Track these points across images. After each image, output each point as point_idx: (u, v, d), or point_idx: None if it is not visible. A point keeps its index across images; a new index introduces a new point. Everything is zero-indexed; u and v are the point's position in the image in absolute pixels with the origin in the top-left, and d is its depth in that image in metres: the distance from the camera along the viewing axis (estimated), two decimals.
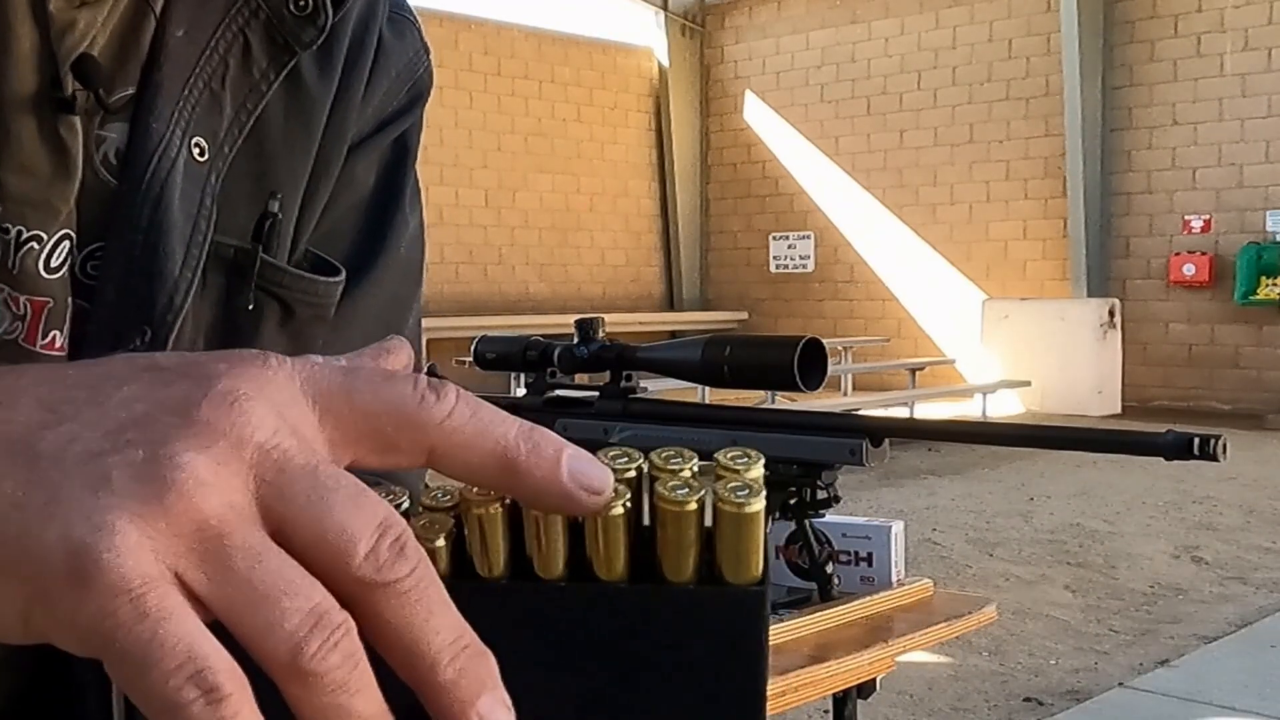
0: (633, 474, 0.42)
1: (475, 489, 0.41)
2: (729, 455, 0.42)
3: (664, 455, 0.42)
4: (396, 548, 0.34)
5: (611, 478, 0.39)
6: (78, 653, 0.32)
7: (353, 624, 0.33)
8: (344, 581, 0.33)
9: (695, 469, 0.41)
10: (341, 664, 0.33)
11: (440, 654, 0.34)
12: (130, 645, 0.31)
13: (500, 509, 0.40)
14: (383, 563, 0.33)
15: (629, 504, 0.41)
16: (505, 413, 0.38)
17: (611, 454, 0.42)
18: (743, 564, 0.40)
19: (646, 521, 0.42)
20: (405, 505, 0.42)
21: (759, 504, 0.40)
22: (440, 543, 0.41)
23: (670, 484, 0.40)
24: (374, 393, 0.37)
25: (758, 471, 0.41)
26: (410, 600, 0.34)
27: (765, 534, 0.41)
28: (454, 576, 0.41)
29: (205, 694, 0.31)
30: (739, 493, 0.40)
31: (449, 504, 0.42)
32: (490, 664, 0.35)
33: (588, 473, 0.38)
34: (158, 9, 0.63)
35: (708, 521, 0.41)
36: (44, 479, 0.33)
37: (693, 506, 0.40)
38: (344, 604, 0.33)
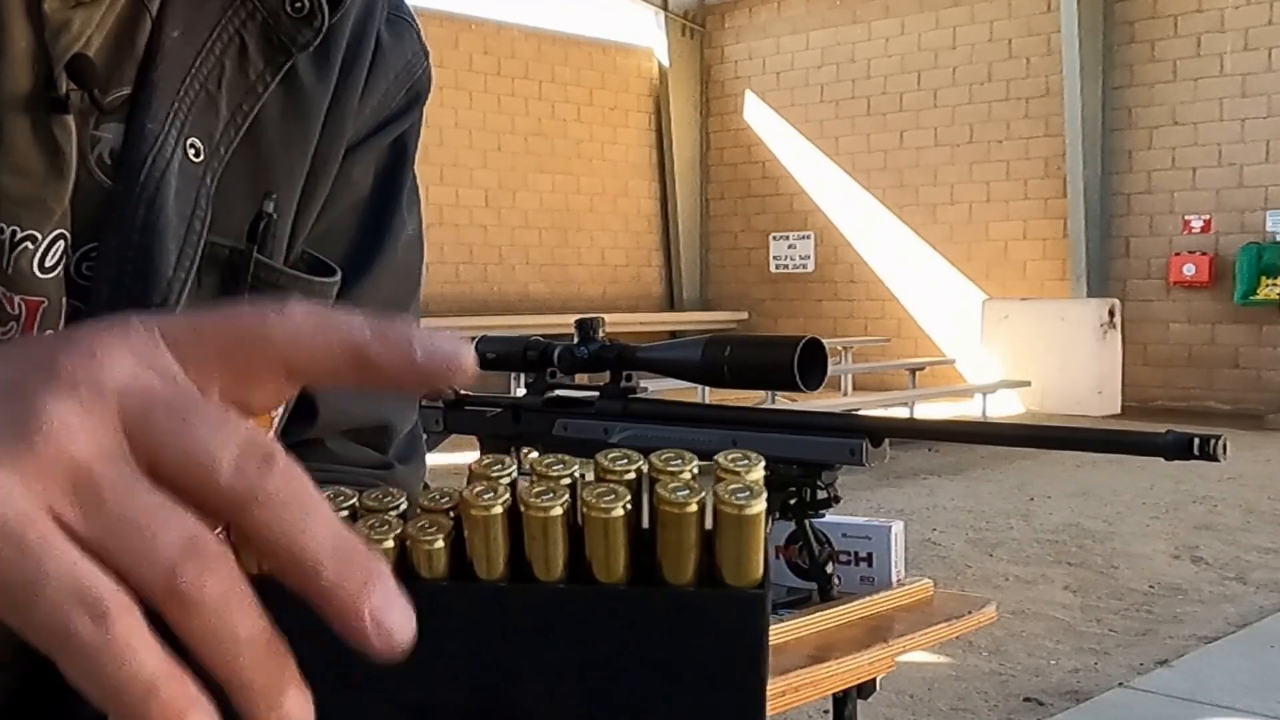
0: (632, 476, 0.42)
1: (475, 490, 0.41)
2: (729, 457, 0.41)
3: (664, 457, 0.42)
4: (263, 461, 0.35)
5: (471, 351, 0.38)
6: None
7: (229, 551, 0.34)
8: (216, 501, 0.34)
9: (695, 471, 0.41)
10: (218, 586, 0.33)
11: (320, 558, 0.34)
12: (14, 580, 0.32)
13: (501, 510, 0.40)
14: (250, 477, 0.34)
15: (629, 506, 0.40)
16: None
17: (611, 455, 0.42)
18: (743, 566, 0.40)
19: (645, 524, 0.42)
20: (402, 507, 0.42)
21: (759, 506, 0.40)
22: (439, 544, 0.41)
23: (671, 485, 0.40)
24: (218, 323, 0.38)
25: (758, 473, 0.41)
26: (284, 510, 0.34)
27: (766, 536, 0.41)
28: (453, 578, 0.41)
29: (93, 617, 0.32)
30: (739, 495, 0.40)
31: (447, 505, 0.42)
32: (379, 563, 0.35)
33: (441, 348, 0.38)
34: (153, 10, 0.63)
35: (708, 524, 0.41)
36: None
37: (693, 508, 0.40)
38: (224, 525, 0.35)
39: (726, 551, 0.40)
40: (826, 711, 2.33)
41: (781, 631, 1.80)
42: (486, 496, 0.40)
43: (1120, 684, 4.42)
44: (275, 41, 0.65)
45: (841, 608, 1.91)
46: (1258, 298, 11.92)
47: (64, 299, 0.61)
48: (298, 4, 0.65)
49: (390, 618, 0.35)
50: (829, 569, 1.92)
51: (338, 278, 0.71)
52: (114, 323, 0.37)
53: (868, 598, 1.96)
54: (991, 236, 13.69)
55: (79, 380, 0.35)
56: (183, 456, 0.35)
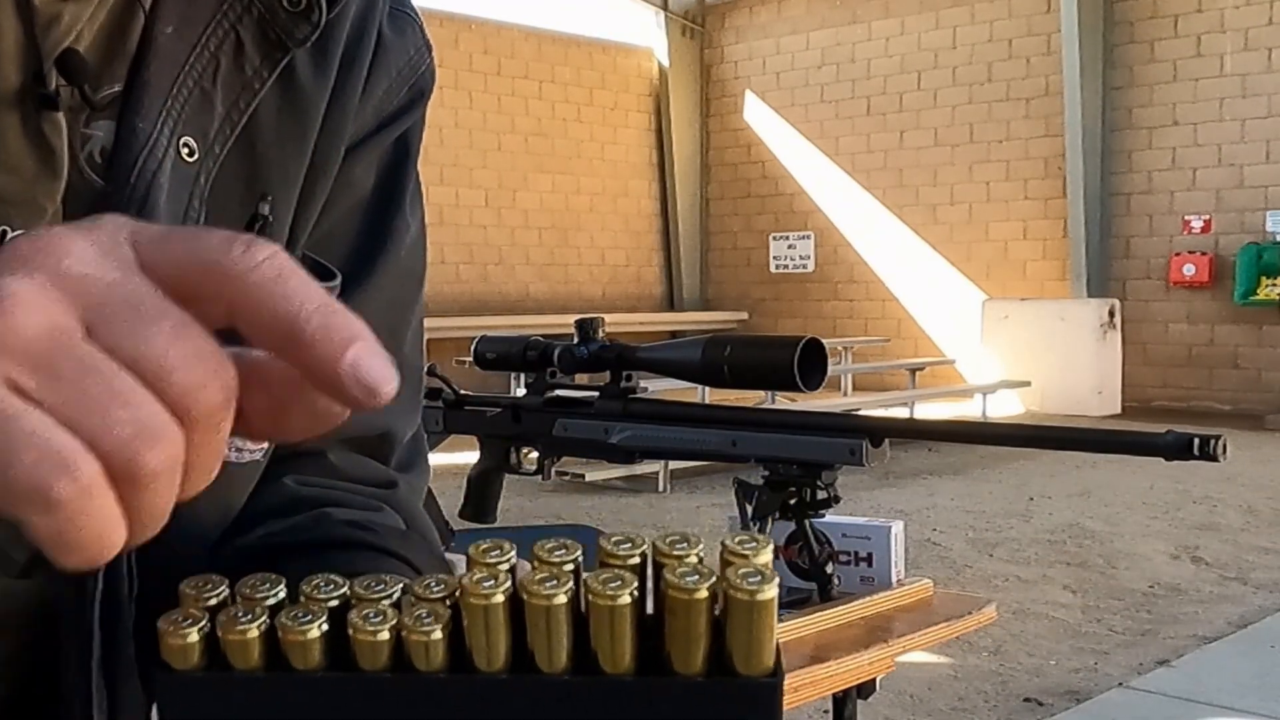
0: (636, 560, 0.40)
1: (474, 578, 0.39)
2: (737, 540, 0.39)
3: (669, 540, 0.40)
4: (222, 398, 0.36)
5: (394, 381, 0.37)
6: None
7: (181, 438, 0.36)
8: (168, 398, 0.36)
9: (701, 554, 0.40)
10: (168, 465, 0.35)
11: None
12: None
13: (502, 598, 0.38)
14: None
15: (636, 593, 0.39)
16: (320, 288, 0.38)
17: (614, 540, 0.40)
18: (755, 654, 0.38)
19: (651, 610, 0.40)
20: (396, 594, 0.41)
21: (771, 590, 0.38)
22: (437, 635, 0.39)
23: (679, 570, 0.38)
24: (190, 239, 0.38)
25: (768, 555, 0.39)
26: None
27: (777, 621, 0.39)
28: (452, 670, 0.39)
29: (68, 473, 0.34)
30: (751, 579, 0.38)
31: (444, 593, 0.40)
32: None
33: (371, 368, 0.37)
34: (147, 5, 0.62)
35: (716, 609, 0.39)
36: None
37: (703, 594, 0.38)
38: None
39: (737, 638, 0.38)
40: (826, 711, 2.33)
41: (781, 631, 1.80)
42: (486, 584, 0.38)
43: (1120, 684, 4.42)
44: (272, 37, 0.64)
45: (841, 608, 1.91)
46: (1258, 298, 11.92)
47: None
48: None
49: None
50: (829, 569, 1.92)
51: (337, 282, 0.70)
52: (86, 220, 0.38)
53: (868, 598, 1.96)
54: (991, 236, 13.69)
55: (37, 265, 0.36)
56: (134, 354, 0.36)
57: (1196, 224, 12.44)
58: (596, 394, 1.88)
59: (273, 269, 0.37)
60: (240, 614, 0.39)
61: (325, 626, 0.40)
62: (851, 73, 14.65)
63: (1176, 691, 4.30)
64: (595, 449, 1.86)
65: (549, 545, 0.40)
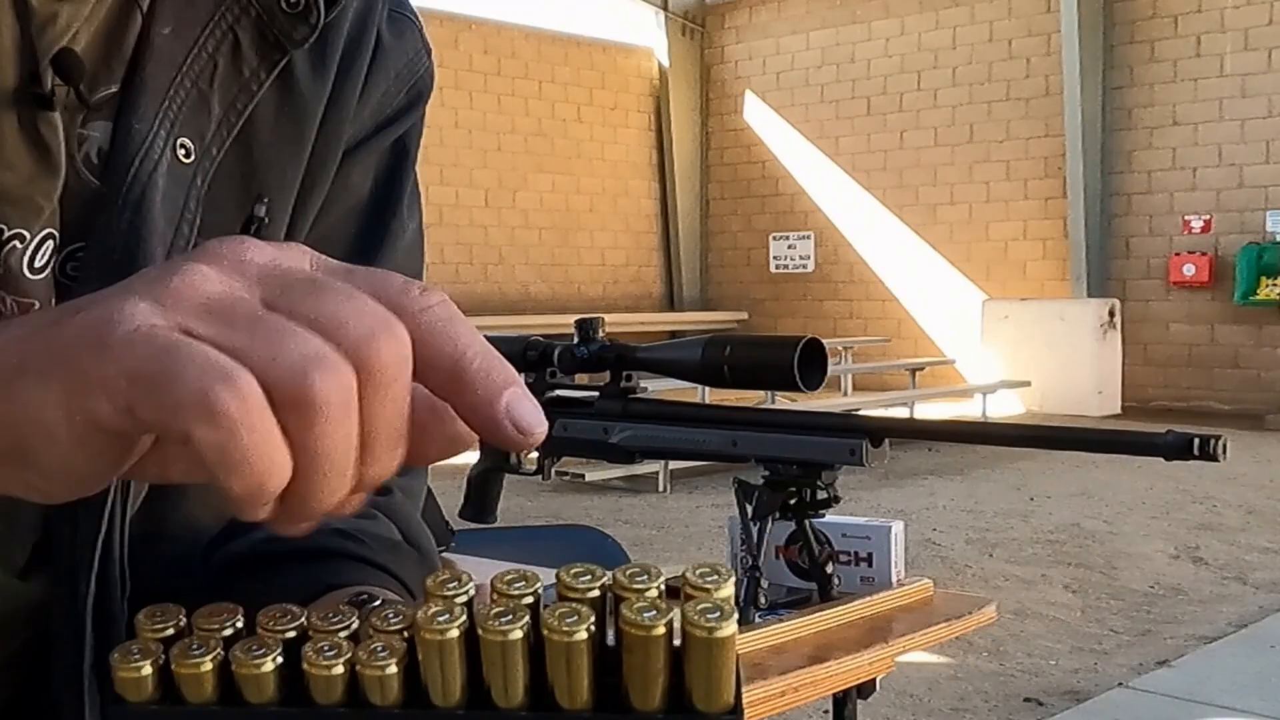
0: (596, 593, 0.39)
1: (429, 611, 0.38)
2: (698, 572, 0.38)
3: (629, 572, 0.39)
4: (387, 337, 0.38)
5: (544, 426, 0.39)
6: (110, 415, 0.37)
7: (351, 370, 0.37)
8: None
9: (662, 588, 0.38)
10: (337, 395, 0.37)
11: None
12: (154, 369, 0.36)
13: (457, 633, 0.38)
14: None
15: (592, 628, 0.38)
16: (481, 336, 0.41)
17: (573, 571, 0.39)
18: (714, 690, 0.38)
19: (611, 642, 0.39)
20: (353, 627, 0.40)
21: (731, 627, 0.37)
22: (391, 669, 0.38)
23: (636, 605, 0.37)
24: (368, 275, 0.41)
25: (728, 590, 0.38)
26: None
27: (737, 657, 0.38)
28: (406, 705, 0.38)
29: (228, 382, 0.36)
30: (709, 615, 0.37)
31: (400, 626, 0.39)
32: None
33: (525, 411, 0.40)
34: (144, 6, 0.62)
35: (676, 642, 0.38)
36: (80, 305, 0.39)
37: (661, 630, 0.37)
38: None
39: (697, 674, 0.37)
40: (826, 711, 2.33)
41: (781, 631, 1.80)
42: (442, 619, 0.38)
43: (1120, 684, 4.42)
44: (270, 38, 0.64)
45: (841, 608, 1.91)
46: (1258, 298, 11.92)
47: (53, 300, 0.60)
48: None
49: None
50: (829, 569, 1.92)
51: None
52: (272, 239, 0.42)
53: (868, 598, 1.96)
54: (991, 236, 13.69)
55: (221, 255, 0.39)
56: (309, 313, 0.38)
57: (1196, 224, 12.44)
58: (596, 394, 1.88)
59: (444, 312, 0.40)
60: (194, 646, 0.39)
61: (280, 659, 0.39)
62: (851, 73, 14.64)
63: (1176, 691, 4.30)
64: (595, 449, 1.86)
65: (508, 577, 0.39)
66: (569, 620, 0.37)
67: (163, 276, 0.38)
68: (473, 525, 2.03)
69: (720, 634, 0.36)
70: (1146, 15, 12.59)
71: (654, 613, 0.37)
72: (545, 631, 0.38)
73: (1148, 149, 12.69)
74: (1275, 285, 11.82)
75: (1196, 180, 12.42)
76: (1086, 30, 12.60)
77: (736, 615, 0.37)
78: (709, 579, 0.38)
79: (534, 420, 0.40)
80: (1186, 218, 12.49)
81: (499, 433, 0.39)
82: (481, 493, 1.98)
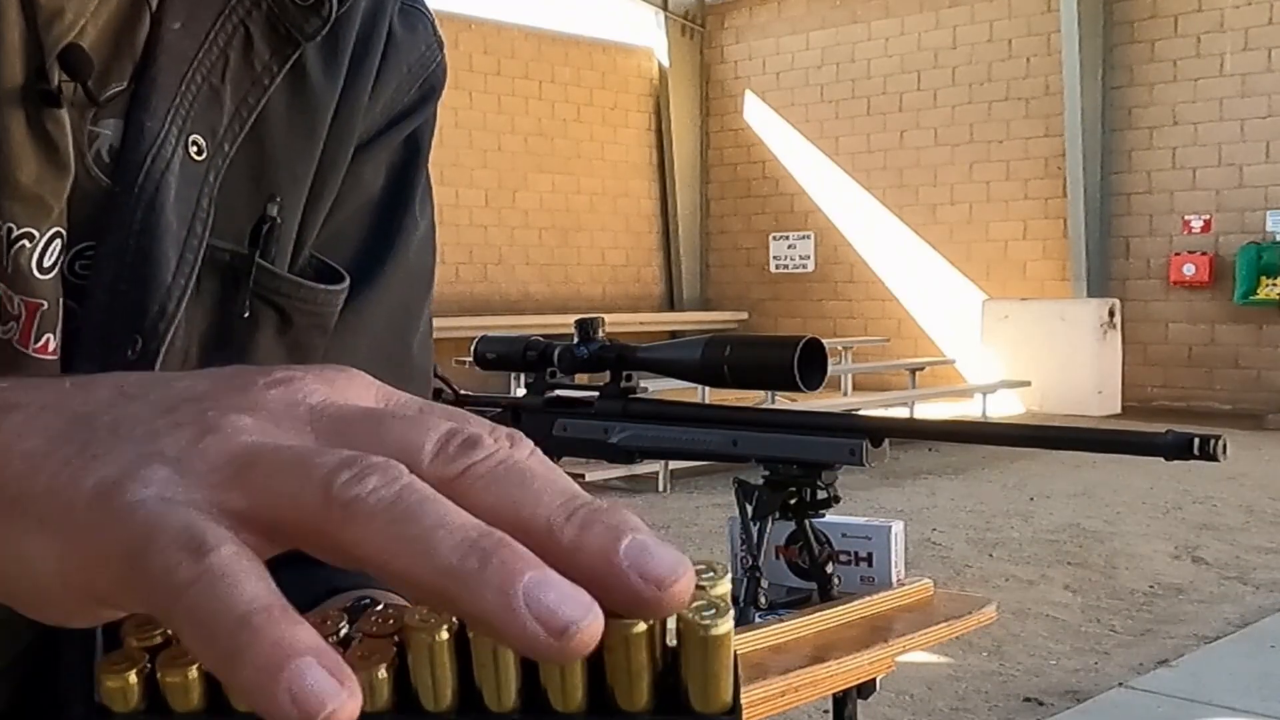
0: None
1: (420, 615, 0.37)
2: (694, 569, 0.37)
3: None
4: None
5: (685, 560, 0.33)
6: (106, 591, 0.33)
7: (400, 467, 0.32)
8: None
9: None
10: (384, 483, 0.32)
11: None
12: (133, 540, 0.32)
13: (447, 635, 0.37)
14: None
15: None
16: (556, 474, 0.34)
17: None
18: (711, 690, 0.37)
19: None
20: (342, 632, 0.39)
21: (727, 624, 0.36)
22: (382, 674, 0.37)
23: None
24: (429, 414, 0.36)
25: (724, 587, 0.37)
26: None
27: (734, 655, 0.37)
28: (398, 711, 0.38)
29: (192, 554, 0.31)
30: (705, 613, 0.36)
31: (389, 629, 0.38)
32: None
33: (651, 559, 0.32)
34: (154, 1, 0.61)
35: (671, 641, 0.37)
36: (98, 441, 0.34)
37: (640, 629, 0.36)
38: None
39: (693, 674, 0.36)
40: (826, 711, 2.33)
41: (781, 631, 1.80)
42: (431, 622, 0.37)
43: (1120, 684, 4.42)
44: (281, 32, 0.63)
45: (841, 608, 1.91)
46: (1258, 298, 11.92)
47: (61, 300, 0.60)
48: None
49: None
50: (829, 569, 1.92)
51: (345, 285, 0.68)
52: (331, 367, 0.38)
53: (868, 598, 1.96)
54: (991, 236, 13.69)
55: (271, 398, 0.35)
56: (377, 448, 0.33)
57: (1196, 224, 12.44)
58: (596, 394, 1.89)
59: (491, 469, 0.34)
60: (180, 654, 0.39)
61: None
62: (851, 73, 14.65)
63: (1176, 691, 4.30)
64: (595, 449, 1.86)
65: None
66: None
67: (198, 434, 0.34)
68: None
69: (716, 632, 0.36)
70: (1146, 15, 12.59)
71: None
72: None
73: (1148, 149, 12.69)
74: (1275, 285, 11.82)
75: (1196, 180, 12.42)
76: (1086, 30, 12.60)
77: (733, 612, 0.36)
78: (704, 575, 0.37)
79: (667, 566, 0.32)
80: (1186, 218, 12.49)
81: (630, 590, 0.32)
82: None
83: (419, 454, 0.33)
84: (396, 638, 0.38)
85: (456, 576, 0.31)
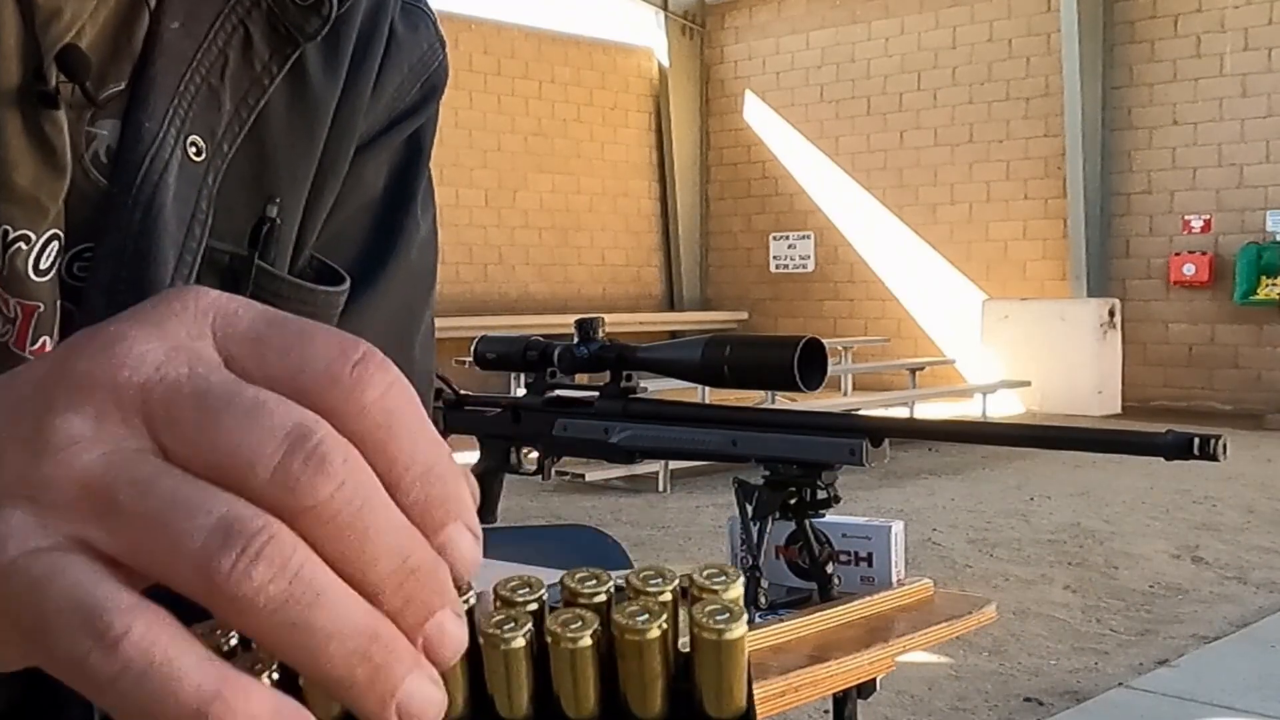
0: (602, 598, 0.37)
1: (495, 619, 0.37)
2: (705, 573, 0.37)
3: (643, 574, 0.37)
4: (310, 462, 0.30)
5: (478, 565, 0.34)
6: (14, 659, 0.31)
7: (278, 526, 0.30)
8: (259, 504, 0.30)
9: (675, 590, 0.37)
10: (273, 574, 0.29)
11: (382, 584, 0.31)
12: (24, 614, 0.30)
13: (523, 642, 0.37)
14: (294, 482, 0.30)
15: (598, 632, 0.36)
16: (427, 441, 0.33)
17: (579, 576, 0.38)
18: (725, 695, 0.37)
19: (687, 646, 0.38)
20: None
21: (741, 629, 0.36)
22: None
23: (629, 609, 0.36)
24: (291, 348, 0.33)
25: (737, 591, 0.36)
26: (337, 525, 0.30)
27: (748, 660, 0.37)
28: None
29: (98, 640, 0.29)
30: (718, 617, 0.36)
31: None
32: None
33: (461, 551, 0.33)
34: (152, 1, 0.61)
35: (684, 647, 0.37)
36: None
37: (654, 634, 0.36)
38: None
39: (707, 680, 0.36)
40: (826, 711, 2.33)
41: (781, 631, 1.80)
42: (508, 627, 0.36)
43: (1120, 684, 4.42)
44: (281, 31, 0.63)
45: (841, 608, 1.91)
46: (1258, 298, 11.92)
47: (58, 302, 0.59)
48: None
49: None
50: (829, 569, 1.92)
51: (345, 286, 0.68)
52: (165, 299, 0.34)
53: (868, 598, 1.96)
54: (991, 236, 13.69)
55: (94, 383, 0.32)
56: (211, 457, 0.31)
57: (1196, 224, 12.44)
58: (596, 394, 1.89)
59: (381, 414, 0.32)
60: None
61: (276, 675, 0.37)
62: (851, 73, 14.65)
63: (1176, 691, 4.30)
64: (595, 449, 1.86)
65: (512, 583, 0.38)
66: (573, 626, 0.36)
67: (35, 458, 0.31)
68: None
69: (730, 636, 0.36)
70: (1146, 15, 12.59)
71: (647, 616, 0.36)
72: (549, 639, 0.37)
73: (1148, 149, 12.69)
74: (1275, 285, 11.82)
75: (1196, 180, 12.42)
76: (1086, 30, 12.60)
77: (746, 616, 0.36)
78: (717, 580, 0.36)
79: (469, 560, 0.33)
80: (1186, 218, 12.49)
81: None
82: (482, 493, 1.98)
83: (253, 469, 0.30)
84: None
85: (344, 685, 0.31)
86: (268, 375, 0.32)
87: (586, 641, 0.36)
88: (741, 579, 0.37)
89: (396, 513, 0.32)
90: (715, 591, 0.36)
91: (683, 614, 0.37)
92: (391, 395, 0.32)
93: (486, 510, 2.00)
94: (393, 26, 0.70)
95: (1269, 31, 11.91)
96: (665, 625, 0.36)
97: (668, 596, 0.37)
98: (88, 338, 0.33)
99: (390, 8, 0.70)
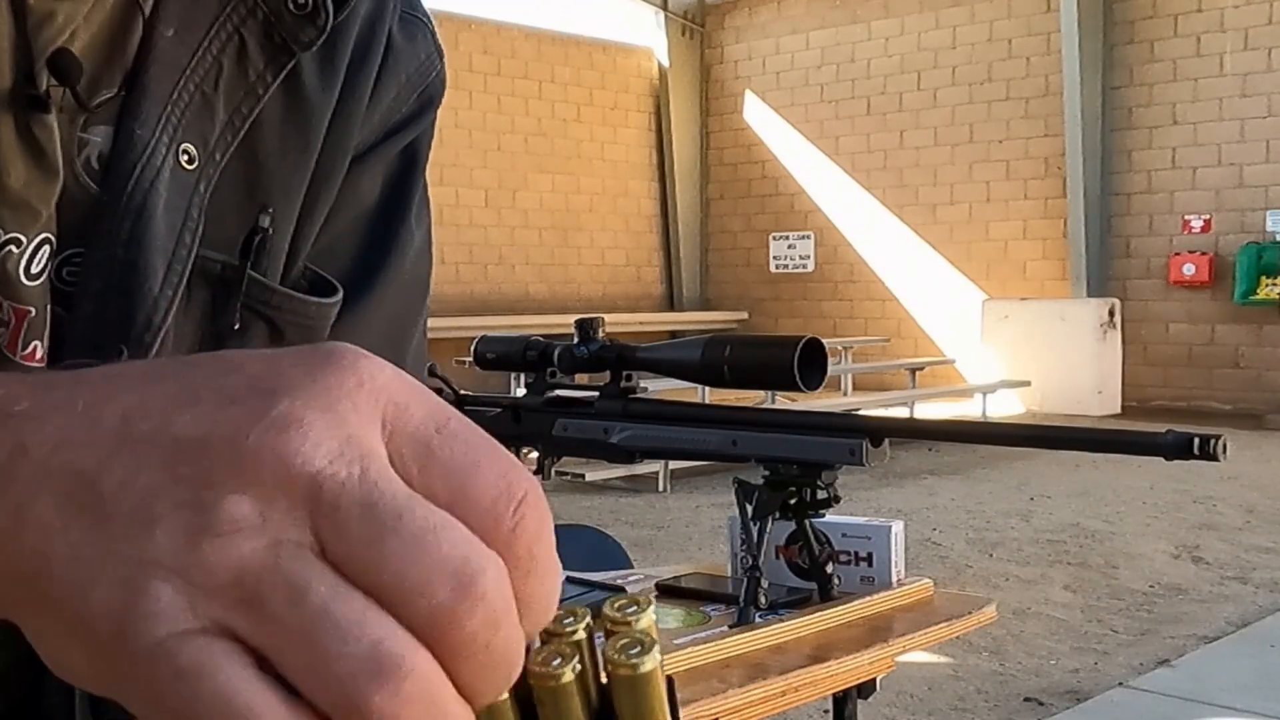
0: (581, 633, 0.37)
1: (540, 655, 0.37)
2: (615, 605, 0.37)
3: (555, 616, 0.36)
4: (474, 604, 0.31)
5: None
6: (140, 714, 0.31)
7: (427, 660, 0.30)
8: (411, 626, 0.31)
9: (588, 627, 0.37)
10: (418, 714, 0.30)
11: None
12: (169, 698, 0.30)
13: (572, 675, 0.36)
14: (455, 620, 0.31)
15: (517, 683, 0.36)
16: (556, 576, 0.33)
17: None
18: None
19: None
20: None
21: (653, 661, 0.35)
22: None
23: (542, 655, 0.36)
24: (461, 469, 0.33)
25: (648, 620, 0.36)
26: (478, 662, 0.31)
27: (668, 690, 0.37)
28: None
29: None
30: (630, 652, 0.36)
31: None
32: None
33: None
34: (146, 7, 0.60)
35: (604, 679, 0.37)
36: (101, 528, 0.32)
37: (569, 678, 0.35)
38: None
39: (624, 712, 0.36)
40: (826, 711, 2.33)
41: (781, 631, 1.80)
42: (555, 662, 0.36)
43: (1120, 684, 4.42)
44: (277, 40, 0.62)
45: (841, 608, 1.91)
46: (1258, 297, 11.92)
47: (48, 306, 0.59)
48: (300, 0, 0.62)
49: None
50: (829, 569, 1.92)
51: (338, 298, 0.67)
52: (336, 370, 0.33)
53: (868, 598, 1.96)
54: (991, 236, 13.69)
55: (264, 464, 0.31)
56: (375, 578, 0.31)
57: (1196, 224, 12.44)
58: (596, 394, 1.89)
59: (529, 560, 0.32)
60: None
61: None
62: (851, 73, 14.65)
63: (1176, 691, 4.30)
64: (595, 449, 1.86)
65: (620, 603, 0.38)
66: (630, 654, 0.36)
67: (195, 537, 0.31)
68: None
69: (644, 669, 0.35)
70: (1146, 15, 12.60)
71: (559, 660, 0.36)
72: (609, 667, 0.37)
73: (1148, 149, 12.69)
74: (1275, 285, 11.82)
75: (1196, 180, 12.42)
76: (1086, 30, 12.60)
77: (658, 646, 0.36)
78: (628, 611, 0.36)
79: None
80: (1186, 217, 12.49)
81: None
82: None
83: (417, 600, 0.31)
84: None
85: None
86: (430, 491, 0.32)
87: (504, 695, 0.35)
88: (653, 608, 0.37)
89: (520, 634, 0.33)
90: (629, 623, 0.36)
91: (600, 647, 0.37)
92: (543, 543, 0.33)
93: None
94: (390, 36, 0.70)
95: (1269, 31, 11.91)
96: (580, 664, 0.36)
97: (581, 635, 0.36)
98: (258, 409, 0.32)
99: (388, 18, 0.70)
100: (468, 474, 0.32)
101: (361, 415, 0.32)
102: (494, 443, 0.34)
